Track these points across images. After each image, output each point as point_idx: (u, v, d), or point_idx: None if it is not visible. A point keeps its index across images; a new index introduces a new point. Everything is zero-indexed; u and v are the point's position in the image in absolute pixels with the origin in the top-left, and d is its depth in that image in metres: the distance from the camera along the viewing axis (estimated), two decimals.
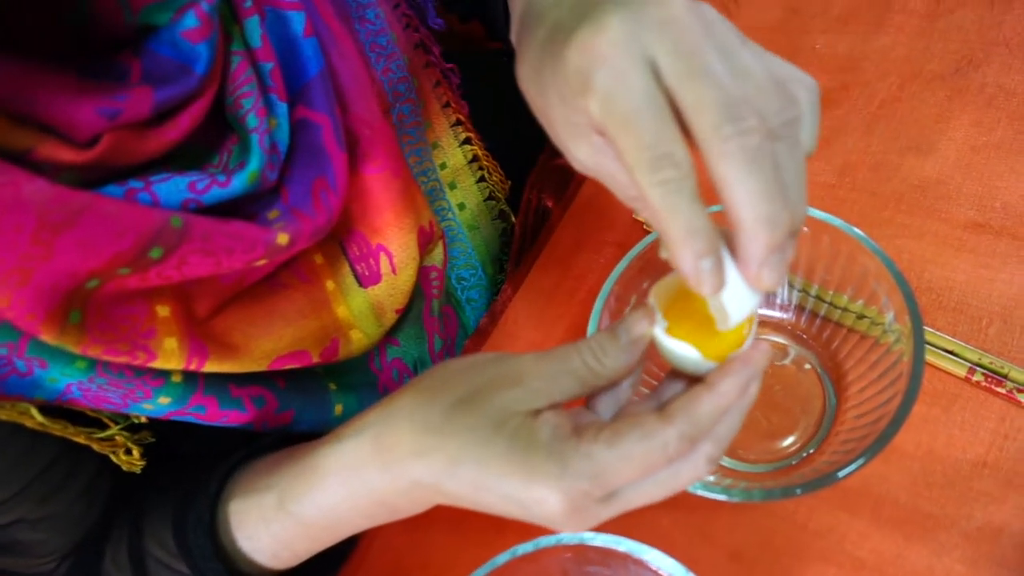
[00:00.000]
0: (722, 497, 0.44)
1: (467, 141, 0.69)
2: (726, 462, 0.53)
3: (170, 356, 0.44)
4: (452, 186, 0.69)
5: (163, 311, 0.44)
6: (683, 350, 0.38)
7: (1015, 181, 0.60)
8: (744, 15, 0.78)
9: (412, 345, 0.62)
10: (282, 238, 0.45)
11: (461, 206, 0.69)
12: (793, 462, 0.52)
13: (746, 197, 0.31)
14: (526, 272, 0.69)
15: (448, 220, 0.69)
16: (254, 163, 0.44)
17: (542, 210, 0.75)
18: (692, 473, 0.36)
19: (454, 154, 0.68)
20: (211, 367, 0.46)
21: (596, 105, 0.32)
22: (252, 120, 0.45)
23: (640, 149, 0.31)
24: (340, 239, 0.55)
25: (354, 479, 0.41)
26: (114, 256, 0.38)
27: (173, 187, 0.42)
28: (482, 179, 0.70)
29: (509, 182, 0.73)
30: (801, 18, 0.75)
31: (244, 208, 0.47)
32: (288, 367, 0.51)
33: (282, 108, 0.47)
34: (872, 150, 0.65)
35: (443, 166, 0.68)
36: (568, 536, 0.48)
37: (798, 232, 0.33)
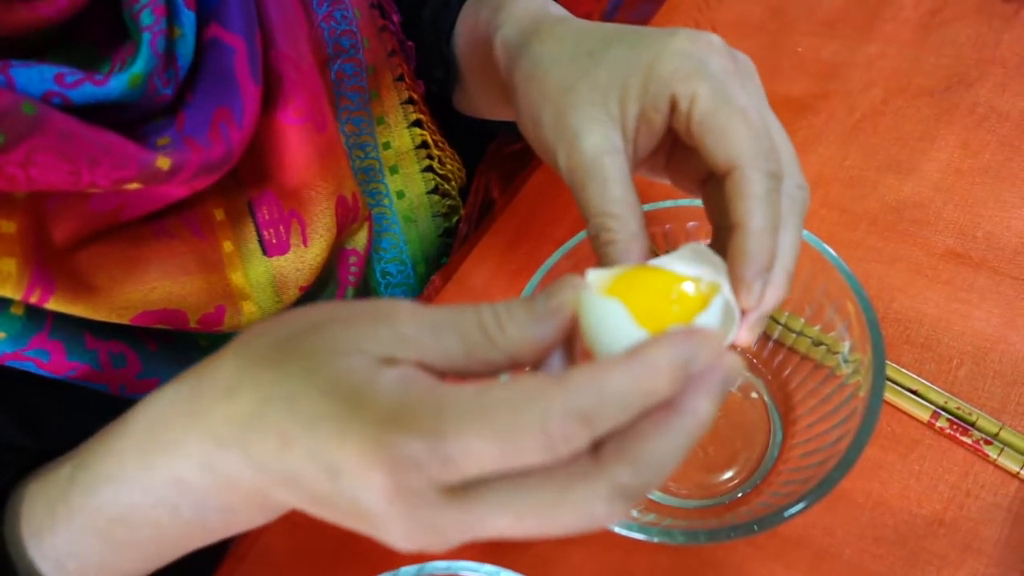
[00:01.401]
0: (639, 536, 0.39)
1: (417, 123, 0.62)
2: (651, 494, 0.47)
3: (4, 280, 0.38)
4: (393, 170, 0.62)
5: (8, 226, 0.38)
6: (610, 309, 0.29)
7: (1000, 210, 0.55)
8: (724, 11, 0.72)
9: None
10: (162, 162, 0.39)
11: (400, 194, 0.63)
12: (726, 500, 0.46)
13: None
14: (458, 264, 0.62)
15: (382, 206, 0.62)
16: (139, 65, 0.39)
17: (488, 200, 0.69)
18: (586, 498, 0.24)
19: (400, 135, 0.61)
20: (56, 305, 0.40)
21: (707, 88, 0.36)
22: (147, 17, 0.40)
23: (752, 139, 0.35)
24: (249, 198, 0.49)
25: (151, 440, 0.31)
26: None
27: (36, 75, 0.36)
28: (430, 168, 0.63)
29: (465, 171, 0.66)
30: (785, 19, 0.70)
31: (134, 129, 0.41)
32: (158, 326, 0.45)
33: (189, 17, 0.42)
34: (848, 164, 0.60)
35: (386, 145, 0.61)
36: (464, 565, 0.42)
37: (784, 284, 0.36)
